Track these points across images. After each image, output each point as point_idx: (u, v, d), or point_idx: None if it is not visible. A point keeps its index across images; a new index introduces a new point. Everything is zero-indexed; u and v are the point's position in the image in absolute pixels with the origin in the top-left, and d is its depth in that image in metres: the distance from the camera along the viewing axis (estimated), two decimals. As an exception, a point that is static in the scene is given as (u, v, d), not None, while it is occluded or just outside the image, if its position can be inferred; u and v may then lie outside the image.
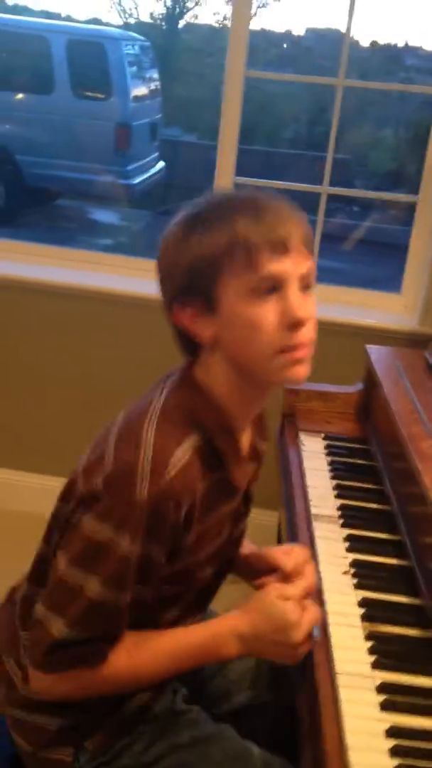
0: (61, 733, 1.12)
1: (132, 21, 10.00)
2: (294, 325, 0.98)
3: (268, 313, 0.98)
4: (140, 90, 6.91)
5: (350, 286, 2.56)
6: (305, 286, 1.01)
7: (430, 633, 1.17)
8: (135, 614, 1.04)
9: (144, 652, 1.07)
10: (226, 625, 1.10)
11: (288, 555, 1.19)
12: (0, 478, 2.71)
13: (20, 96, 6.67)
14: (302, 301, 0.99)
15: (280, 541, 1.50)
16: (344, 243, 7.03)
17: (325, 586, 1.26)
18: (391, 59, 9.85)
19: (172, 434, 1.01)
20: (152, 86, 7.20)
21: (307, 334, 1.00)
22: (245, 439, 1.12)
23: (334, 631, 1.17)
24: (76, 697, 1.09)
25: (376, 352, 1.81)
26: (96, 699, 1.11)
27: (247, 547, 1.28)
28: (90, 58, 6.47)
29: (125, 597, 1.00)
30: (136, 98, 6.80)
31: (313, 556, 1.33)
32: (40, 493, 2.11)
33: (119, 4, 10.86)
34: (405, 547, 1.35)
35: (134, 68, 6.84)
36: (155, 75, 7.35)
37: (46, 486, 2.39)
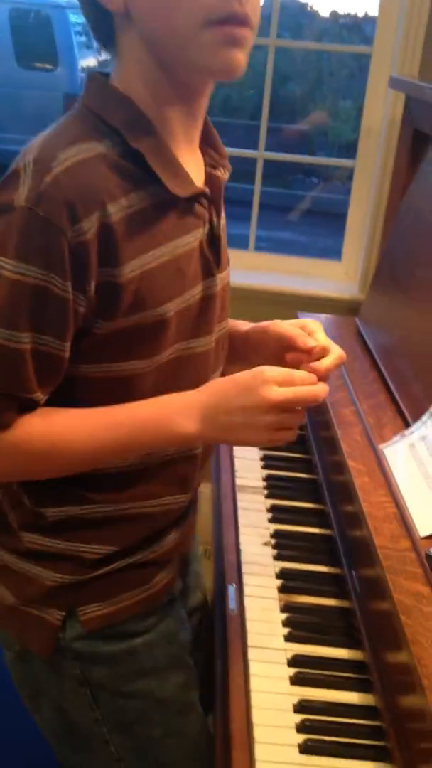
0: (55, 590, 0.96)
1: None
2: None
3: None
4: (89, 60, 6.76)
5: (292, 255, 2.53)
6: None
7: (346, 603, 1.14)
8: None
9: (70, 419, 0.88)
10: (183, 394, 0.91)
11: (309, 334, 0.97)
12: None
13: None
14: None
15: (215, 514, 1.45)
16: (295, 214, 6.99)
17: (244, 558, 1.23)
18: (351, 28, 9.78)
19: (64, 138, 0.82)
20: (102, 57, 7.05)
21: (249, 4, 0.79)
22: (190, 162, 0.91)
23: (249, 603, 1.14)
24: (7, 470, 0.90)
25: (307, 319, 1.77)
26: (101, 559, 0.96)
27: (245, 324, 1.08)
28: (35, 27, 6.31)
29: (25, 342, 0.80)
30: (86, 68, 6.65)
31: (235, 528, 1.30)
32: None
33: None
34: (328, 516, 1.32)
35: (82, 38, 6.68)
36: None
37: None
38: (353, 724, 0.97)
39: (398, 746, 0.91)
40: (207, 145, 0.96)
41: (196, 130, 0.92)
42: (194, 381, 0.94)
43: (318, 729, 0.95)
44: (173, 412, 0.89)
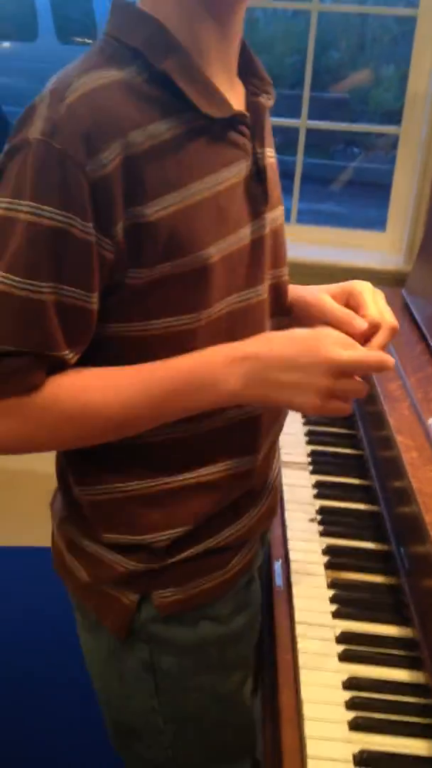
0: (128, 576, 0.91)
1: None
2: None
3: None
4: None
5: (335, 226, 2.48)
6: None
7: (394, 579, 1.13)
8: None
9: (102, 377, 0.80)
10: (228, 345, 0.81)
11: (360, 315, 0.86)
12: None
13: (5, 45, 6.49)
14: None
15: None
16: (336, 185, 6.87)
17: (290, 535, 1.22)
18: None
19: (81, 66, 0.75)
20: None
21: None
22: (228, 88, 0.83)
23: (296, 579, 1.13)
24: (29, 438, 0.81)
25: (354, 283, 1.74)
26: (172, 546, 0.90)
27: (291, 290, 0.98)
28: (74, 1, 6.27)
29: (47, 293, 0.73)
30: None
31: (281, 505, 1.30)
32: None
33: None
34: (375, 492, 1.30)
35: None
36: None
37: None
38: (402, 702, 0.96)
39: (449, 724, 0.90)
40: (247, 73, 0.88)
41: (232, 56, 0.84)
42: (252, 336, 0.84)
43: (367, 706, 0.94)
44: (217, 366, 0.80)
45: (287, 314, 0.97)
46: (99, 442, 0.84)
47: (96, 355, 0.81)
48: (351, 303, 0.91)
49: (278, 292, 0.94)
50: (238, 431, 0.90)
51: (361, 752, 0.89)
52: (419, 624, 1.01)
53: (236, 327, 0.85)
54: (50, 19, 6.29)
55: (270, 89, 0.89)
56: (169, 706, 0.98)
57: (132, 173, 0.73)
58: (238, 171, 0.82)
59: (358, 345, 0.82)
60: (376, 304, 0.89)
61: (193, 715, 1.00)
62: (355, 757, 0.89)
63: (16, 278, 0.72)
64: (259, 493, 0.98)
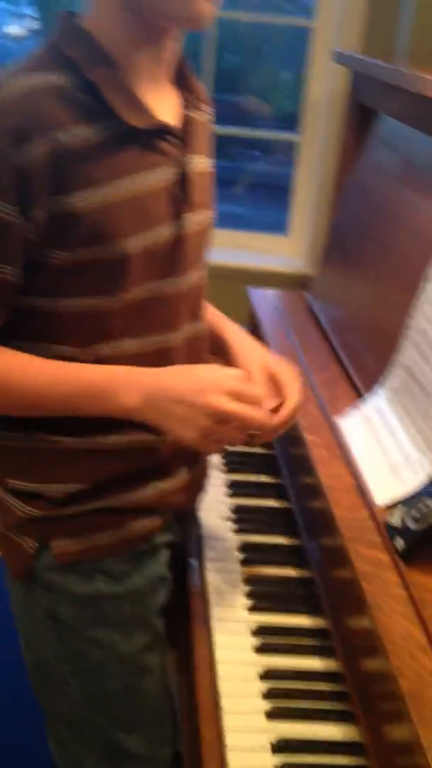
0: (27, 521, 0.99)
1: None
2: None
3: None
4: (15, 29, 6.59)
5: (244, 230, 2.53)
6: None
7: (306, 572, 1.17)
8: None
9: (16, 361, 0.91)
10: (132, 369, 0.92)
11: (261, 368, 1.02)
12: None
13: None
14: None
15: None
16: (239, 187, 6.98)
17: (204, 533, 1.25)
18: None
19: (19, 67, 0.85)
20: (31, 26, 6.87)
21: None
22: (157, 100, 0.92)
23: (211, 577, 1.16)
24: None
25: (258, 295, 1.79)
26: (68, 498, 0.97)
27: (213, 314, 1.11)
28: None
29: None
30: (13, 38, 6.48)
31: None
32: None
33: None
34: (286, 489, 1.34)
35: (8, 5, 6.52)
36: (34, 14, 7.02)
37: None
38: (316, 690, 1.00)
39: (362, 709, 0.94)
40: (183, 87, 0.97)
41: (163, 73, 0.93)
42: (165, 324, 0.96)
43: (283, 695, 0.98)
44: (118, 384, 0.91)
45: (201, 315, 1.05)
46: (2, 413, 0.95)
47: (25, 327, 0.91)
48: (274, 384, 1.03)
49: (199, 290, 1.02)
50: None
51: (279, 740, 0.92)
52: (331, 614, 1.05)
53: (150, 312, 0.94)
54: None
55: (201, 104, 0.99)
56: (72, 657, 1.04)
57: (57, 166, 0.82)
58: (163, 175, 0.91)
59: (248, 393, 0.92)
60: (294, 399, 1.02)
61: (97, 671, 1.04)
62: (272, 745, 0.92)
63: None
64: (170, 469, 1.03)
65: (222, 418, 0.90)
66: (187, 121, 0.95)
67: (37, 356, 0.92)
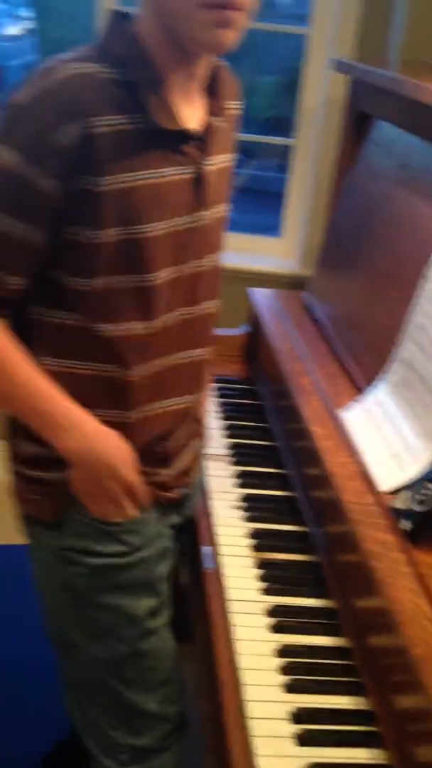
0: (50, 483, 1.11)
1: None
2: None
3: None
4: (12, 29, 6.61)
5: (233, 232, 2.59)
6: None
7: (314, 557, 1.23)
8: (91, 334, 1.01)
9: (15, 356, 1.01)
10: (85, 421, 1.04)
11: None
12: None
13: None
14: None
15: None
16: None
17: (216, 521, 1.31)
18: (263, 2, 9.77)
19: (71, 56, 0.95)
20: (26, 26, 6.89)
21: None
22: (185, 109, 1.02)
23: (226, 561, 1.22)
24: None
25: (258, 294, 1.85)
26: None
27: None
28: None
29: (3, 223, 0.94)
30: (9, 38, 6.51)
31: (207, 494, 1.38)
32: None
33: None
34: (291, 479, 1.41)
35: (3, 6, 6.53)
36: (29, 14, 7.04)
37: None
38: (328, 663, 1.06)
39: (371, 680, 1.00)
40: (212, 93, 1.06)
41: (193, 86, 1.03)
42: (189, 299, 1.09)
43: (299, 669, 1.04)
44: (65, 427, 1.03)
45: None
46: None
47: (45, 296, 1.02)
48: None
49: (212, 274, 1.14)
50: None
51: (297, 710, 0.99)
52: (340, 594, 1.12)
53: (174, 290, 1.06)
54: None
55: (223, 110, 1.08)
56: (85, 621, 1.14)
57: (90, 147, 0.92)
58: (182, 172, 1.02)
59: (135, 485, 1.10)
60: None
61: (107, 634, 1.14)
62: (292, 715, 0.98)
63: None
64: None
65: (129, 488, 1.08)
66: (209, 127, 1.05)
67: (38, 352, 1.03)
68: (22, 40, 6.75)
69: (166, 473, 1.16)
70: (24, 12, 6.98)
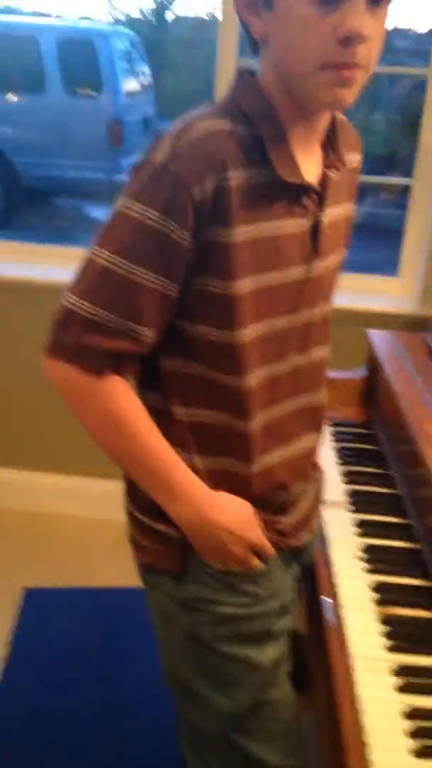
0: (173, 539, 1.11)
1: (121, 17, 10.00)
2: (347, 39, 0.89)
3: (322, 19, 0.89)
4: (132, 85, 6.87)
5: (347, 272, 2.56)
6: (374, 0, 0.90)
7: (443, 613, 1.17)
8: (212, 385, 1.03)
9: (137, 418, 1.04)
10: (198, 490, 1.06)
11: None
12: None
13: (13, 97, 6.65)
14: (363, 16, 0.89)
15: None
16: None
17: (337, 571, 1.27)
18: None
19: (203, 114, 0.99)
20: (144, 81, 7.17)
21: (361, 54, 0.91)
22: (305, 161, 1.03)
23: (348, 615, 1.18)
24: (76, 408, 1.07)
25: (377, 336, 1.82)
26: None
27: None
28: (80, 55, 6.43)
29: (140, 275, 0.96)
30: (128, 94, 6.77)
31: (326, 542, 1.34)
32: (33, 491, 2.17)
33: (108, 1, 10.88)
34: (413, 530, 1.35)
35: (125, 63, 6.81)
36: (146, 70, 7.32)
37: (38, 483, 2.40)
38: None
39: None
40: (329, 146, 1.07)
41: (313, 139, 1.05)
42: (301, 347, 1.10)
43: (429, 733, 0.98)
44: (183, 499, 1.05)
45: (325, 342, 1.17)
46: (104, 450, 1.06)
47: (187, 353, 1.04)
48: None
49: (320, 325, 1.13)
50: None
51: (427, 779, 0.93)
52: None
53: (288, 339, 1.08)
54: (57, 70, 6.43)
55: (339, 165, 1.08)
56: (209, 672, 1.13)
57: (222, 201, 0.95)
58: (300, 223, 1.03)
59: (261, 545, 1.10)
60: None
61: (233, 684, 1.12)
62: (422, 784, 0.93)
63: (119, 259, 0.96)
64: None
65: (254, 546, 1.08)
66: (325, 180, 1.06)
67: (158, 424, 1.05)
68: (139, 96, 7.02)
69: (287, 521, 1.14)
70: (143, 68, 7.27)
